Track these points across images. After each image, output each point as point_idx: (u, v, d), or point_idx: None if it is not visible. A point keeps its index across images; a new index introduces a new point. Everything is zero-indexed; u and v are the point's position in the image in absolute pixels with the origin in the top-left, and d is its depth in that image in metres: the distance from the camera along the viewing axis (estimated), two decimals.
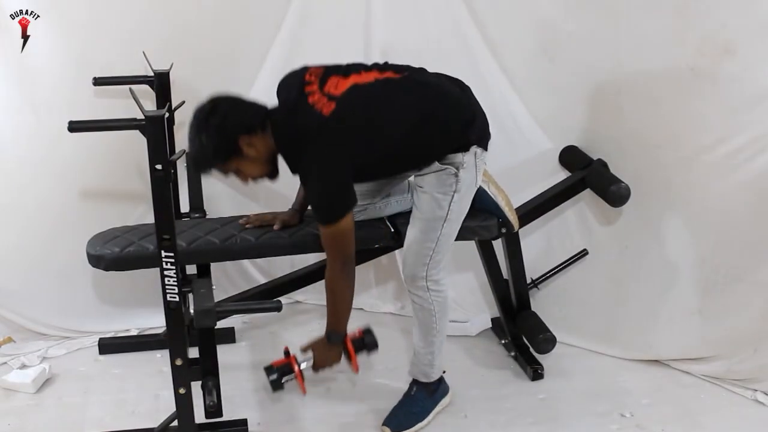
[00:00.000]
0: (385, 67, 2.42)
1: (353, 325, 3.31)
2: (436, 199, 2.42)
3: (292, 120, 2.32)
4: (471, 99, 2.48)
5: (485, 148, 2.46)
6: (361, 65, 2.42)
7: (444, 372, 2.73)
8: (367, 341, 2.50)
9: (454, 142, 2.39)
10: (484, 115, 2.49)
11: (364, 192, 2.59)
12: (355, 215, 2.60)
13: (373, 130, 2.31)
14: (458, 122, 2.39)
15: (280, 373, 2.41)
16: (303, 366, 2.43)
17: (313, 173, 2.27)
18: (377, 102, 2.32)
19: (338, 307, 2.41)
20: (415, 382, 2.70)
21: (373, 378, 2.92)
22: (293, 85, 2.36)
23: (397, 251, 3.00)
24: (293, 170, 2.37)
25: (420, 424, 2.65)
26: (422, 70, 2.45)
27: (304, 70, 2.38)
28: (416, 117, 2.34)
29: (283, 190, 2.97)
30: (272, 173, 2.40)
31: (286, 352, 2.46)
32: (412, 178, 2.52)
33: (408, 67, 2.43)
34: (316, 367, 2.44)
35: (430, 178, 2.41)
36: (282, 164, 2.39)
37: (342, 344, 2.45)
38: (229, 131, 2.26)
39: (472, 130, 2.42)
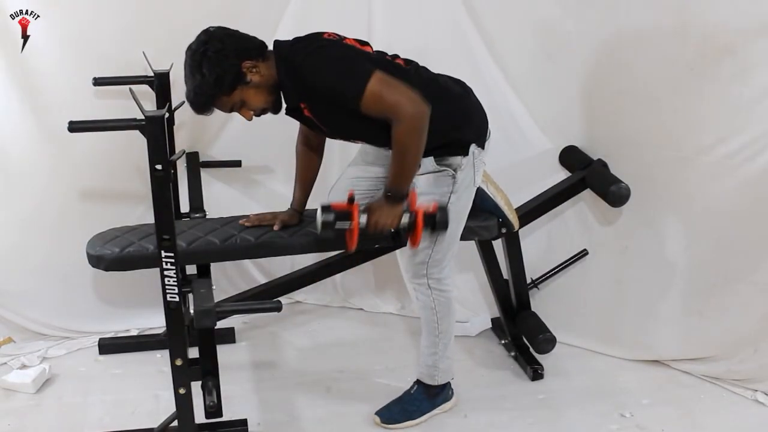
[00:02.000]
0: (395, 57, 2.44)
1: (352, 324, 3.31)
2: (433, 200, 2.41)
3: (298, 42, 2.31)
4: (471, 98, 2.48)
5: (483, 147, 2.46)
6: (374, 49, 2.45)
7: (452, 378, 2.71)
8: (439, 218, 2.30)
9: (448, 137, 2.38)
10: (485, 114, 2.49)
11: (365, 190, 2.60)
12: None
13: None
14: (453, 120, 2.39)
15: (337, 216, 2.28)
16: (362, 220, 2.30)
17: (317, 63, 2.22)
18: None
19: (406, 164, 2.26)
20: (418, 382, 2.70)
21: (373, 378, 2.92)
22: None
23: (397, 251, 2.99)
24: (292, 99, 2.33)
25: (410, 422, 2.64)
26: (426, 69, 2.46)
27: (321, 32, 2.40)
28: None
29: (283, 190, 2.97)
30: (276, 104, 2.36)
31: (351, 199, 2.31)
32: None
33: (416, 63, 2.46)
34: (370, 225, 2.30)
35: (428, 179, 2.41)
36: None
37: (406, 210, 2.31)
38: (231, 56, 2.24)
39: (469, 128, 2.42)
